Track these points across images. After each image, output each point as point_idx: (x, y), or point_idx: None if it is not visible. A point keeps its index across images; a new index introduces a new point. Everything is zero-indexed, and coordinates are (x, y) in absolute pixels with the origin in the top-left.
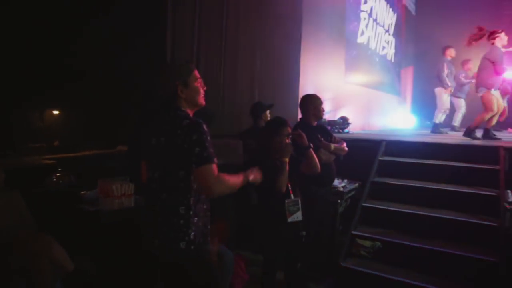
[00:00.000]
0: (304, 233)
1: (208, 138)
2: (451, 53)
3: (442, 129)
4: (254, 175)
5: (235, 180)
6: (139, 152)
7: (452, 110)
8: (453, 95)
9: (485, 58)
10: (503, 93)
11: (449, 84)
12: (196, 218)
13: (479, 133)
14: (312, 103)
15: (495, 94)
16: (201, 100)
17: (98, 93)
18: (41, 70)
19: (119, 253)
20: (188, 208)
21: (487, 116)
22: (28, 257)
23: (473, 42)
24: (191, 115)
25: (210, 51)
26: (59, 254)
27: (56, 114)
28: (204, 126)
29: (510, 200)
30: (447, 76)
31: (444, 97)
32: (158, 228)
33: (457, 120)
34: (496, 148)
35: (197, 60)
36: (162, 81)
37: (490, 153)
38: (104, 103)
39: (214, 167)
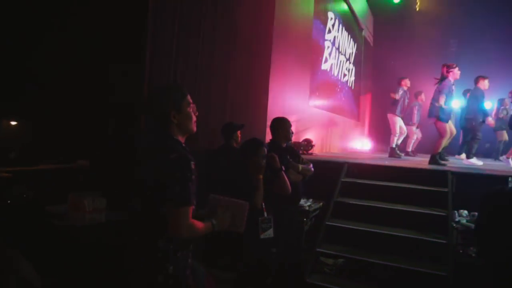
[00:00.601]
0: (274, 249)
1: (193, 177)
2: (406, 83)
3: (398, 153)
4: (220, 222)
5: (203, 228)
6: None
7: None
8: (406, 123)
9: (437, 90)
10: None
11: (399, 111)
12: (178, 252)
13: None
14: (282, 125)
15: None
16: (193, 126)
17: (60, 104)
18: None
19: (89, 269)
20: (170, 243)
21: (444, 141)
22: None
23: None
24: (182, 142)
25: (187, 71)
26: (26, 270)
27: (13, 125)
28: (192, 164)
29: (457, 219)
30: (400, 105)
31: (398, 123)
32: (136, 258)
33: (410, 146)
34: (445, 172)
35: (173, 80)
36: (154, 105)
37: (440, 177)
38: (66, 115)
39: (190, 210)
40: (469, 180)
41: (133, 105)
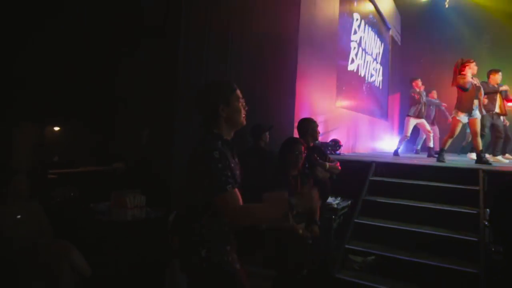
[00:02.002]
0: (310, 241)
1: (219, 165)
2: (418, 84)
3: (433, 153)
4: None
5: (264, 210)
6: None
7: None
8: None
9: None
10: None
11: (412, 112)
12: (211, 237)
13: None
14: (309, 125)
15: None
16: (242, 119)
17: (98, 110)
18: (42, 87)
19: (132, 262)
20: (202, 226)
21: (448, 138)
22: (50, 261)
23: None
24: (226, 136)
25: (217, 75)
26: (78, 259)
27: (56, 131)
28: (216, 153)
29: (488, 218)
30: (413, 105)
31: (410, 124)
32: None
33: (419, 144)
34: (476, 171)
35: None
36: (203, 99)
37: (471, 175)
38: (103, 120)
39: (227, 196)
40: (502, 179)
41: (167, 111)
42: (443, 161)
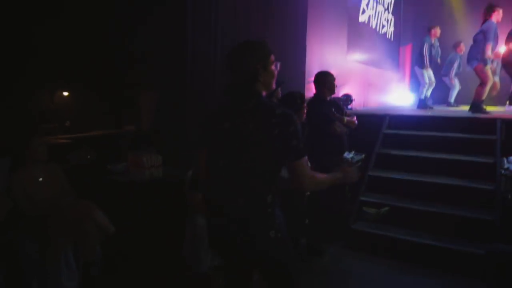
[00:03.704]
0: (307, 221)
1: (300, 129)
2: (436, 32)
3: (428, 105)
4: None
5: (324, 178)
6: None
7: (447, 87)
8: (444, 73)
9: (480, 32)
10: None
11: (428, 64)
12: (278, 208)
13: None
14: (326, 79)
15: (486, 67)
16: (274, 84)
17: (105, 76)
18: (52, 54)
19: (151, 219)
20: (274, 197)
21: (486, 88)
22: (75, 220)
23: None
24: None
25: (226, 29)
26: (102, 218)
27: (66, 96)
28: (295, 117)
29: (505, 166)
30: (428, 55)
31: (424, 74)
32: (246, 221)
33: (452, 97)
34: (493, 120)
35: (214, 41)
36: (240, 62)
37: (488, 125)
38: (111, 85)
39: (307, 160)
40: None
41: (178, 72)
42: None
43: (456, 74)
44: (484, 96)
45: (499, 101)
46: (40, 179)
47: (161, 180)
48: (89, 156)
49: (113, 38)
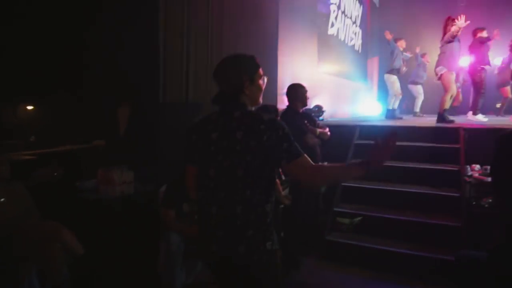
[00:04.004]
0: (282, 206)
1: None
2: (402, 44)
3: (397, 115)
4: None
5: (338, 170)
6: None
7: (412, 97)
8: (411, 82)
9: (444, 42)
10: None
11: (396, 71)
12: (272, 218)
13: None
14: (299, 91)
15: (453, 74)
16: (261, 98)
17: (74, 87)
18: (14, 63)
19: (123, 238)
20: (271, 206)
21: (448, 97)
22: (40, 242)
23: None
24: None
25: (198, 48)
26: (69, 239)
27: (30, 110)
28: (283, 122)
29: (469, 174)
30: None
31: (393, 83)
32: (240, 232)
33: (418, 106)
34: (457, 129)
35: (187, 54)
36: (227, 74)
37: (452, 134)
38: (80, 98)
39: (307, 157)
40: (481, 136)
41: (151, 82)
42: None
43: (421, 84)
44: (447, 105)
45: (462, 111)
46: (2, 199)
47: (133, 197)
48: (56, 173)
49: (83, 49)
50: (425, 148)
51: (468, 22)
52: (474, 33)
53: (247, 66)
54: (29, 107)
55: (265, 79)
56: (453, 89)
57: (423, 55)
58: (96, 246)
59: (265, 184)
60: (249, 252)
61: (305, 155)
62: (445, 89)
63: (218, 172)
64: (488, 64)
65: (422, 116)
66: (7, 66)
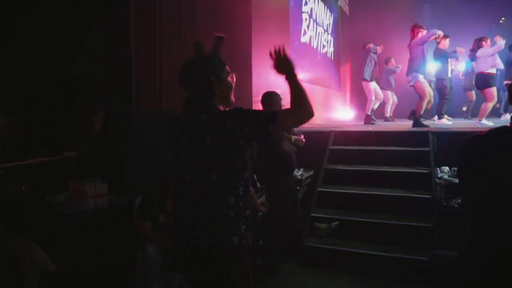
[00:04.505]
0: (260, 213)
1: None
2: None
3: (373, 119)
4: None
5: (303, 88)
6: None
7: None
8: (382, 88)
9: (413, 47)
10: None
11: (369, 76)
12: (247, 211)
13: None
14: (274, 99)
15: (425, 81)
16: (232, 97)
17: (43, 95)
18: None
19: (98, 252)
20: (238, 199)
21: (424, 103)
22: (8, 260)
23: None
24: None
25: (172, 53)
26: (39, 255)
27: None
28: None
29: (439, 176)
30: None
31: (372, 88)
32: (205, 226)
33: (388, 111)
34: (426, 133)
35: (160, 61)
36: (194, 76)
37: (421, 137)
38: (48, 107)
39: (283, 111)
40: (448, 139)
41: (123, 89)
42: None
43: (390, 90)
44: (422, 111)
45: (429, 114)
46: None
47: (107, 210)
48: (24, 188)
49: (52, 56)
50: (397, 152)
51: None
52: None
53: (212, 65)
54: None
55: (234, 77)
56: (429, 95)
57: (388, 61)
58: (69, 262)
59: (232, 177)
60: (212, 245)
61: (280, 110)
62: (420, 97)
63: (193, 177)
64: (446, 75)
65: (393, 120)
66: None
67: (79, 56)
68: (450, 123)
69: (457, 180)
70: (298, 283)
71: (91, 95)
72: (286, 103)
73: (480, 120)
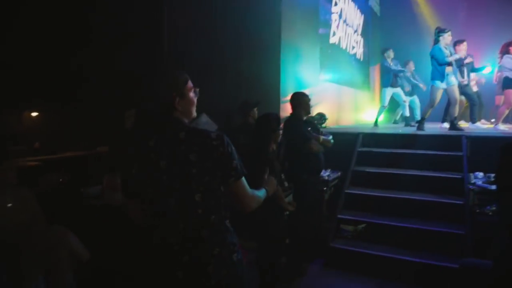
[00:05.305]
0: (287, 212)
1: (233, 149)
2: (389, 55)
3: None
4: (271, 188)
5: (261, 196)
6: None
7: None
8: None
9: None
10: None
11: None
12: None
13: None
14: (303, 99)
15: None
16: (194, 112)
17: (78, 94)
18: (18, 72)
19: (128, 244)
20: (226, 216)
21: (456, 107)
22: (47, 247)
23: None
24: None
25: (204, 52)
26: (76, 244)
27: (35, 116)
28: (226, 137)
29: (472, 181)
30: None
31: (388, 94)
32: (208, 254)
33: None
34: (459, 137)
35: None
36: (156, 91)
37: (454, 141)
38: (84, 105)
39: (244, 182)
40: (483, 143)
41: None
42: (422, 130)
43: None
44: (456, 114)
45: (463, 118)
46: (9, 205)
47: None
48: (61, 179)
49: (88, 56)
50: (428, 156)
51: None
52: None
53: (175, 81)
54: (34, 114)
55: (197, 91)
56: (458, 100)
57: (406, 63)
58: (102, 252)
59: (222, 202)
60: (218, 269)
61: (244, 178)
62: (449, 101)
63: (177, 201)
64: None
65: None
66: (12, 73)
67: (115, 56)
68: (484, 126)
69: (492, 187)
70: (324, 284)
71: (126, 93)
72: (313, 104)
73: (497, 125)
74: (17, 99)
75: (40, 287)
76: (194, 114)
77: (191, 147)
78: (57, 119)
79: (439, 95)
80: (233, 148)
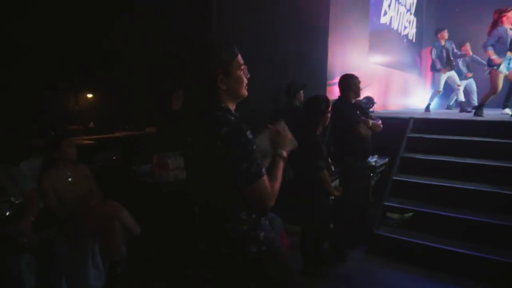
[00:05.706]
0: (332, 197)
1: (254, 147)
2: (444, 35)
3: (465, 108)
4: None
5: (279, 175)
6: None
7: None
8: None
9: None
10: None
11: (438, 66)
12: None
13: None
14: (352, 82)
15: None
16: (244, 91)
17: (130, 77)
18: (74, 54)
19: (177, 220)
20: (252, 212)
21: (491, 93)
22: (102, 220)
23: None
24: (232, 110)
25: (252, 33)
26: (128, 219)
27: (90, 98)
28: (248, 133)
29: None
30: (438, 58)
31: (442, 79)
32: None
33: (456, 99)
34: None
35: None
36: (198, 67)
37: None
38: (135, 87)
39: (266, 179)
40: None
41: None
42: (481, 116)
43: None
44: (487, 101)
45: None
46: (70, 179)
47: (184, 182)
48: (114, 157)
49: (136, 40)
50: (484, 143)
51: None
52: None
53: (219, 55)
54: (89, 95)
55: (245, 70)
56: (498, 88)
57: (462, 45)
58: (152, 228)
59: (238, 196)
60: (232, 253)
61: (265, 176)
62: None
63: (192, 182)
64: None
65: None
66: (71, 59)
67: (164, 38)
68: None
69: None
70: (367, 270)
71: (173, 75)
72: (364, 86)
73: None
74: (74, 82)
75: (96, 256)
76: (244, 94)
77: (201, 136)
78: (110, 101)
79: (500, 80)
80: (246, 149)
